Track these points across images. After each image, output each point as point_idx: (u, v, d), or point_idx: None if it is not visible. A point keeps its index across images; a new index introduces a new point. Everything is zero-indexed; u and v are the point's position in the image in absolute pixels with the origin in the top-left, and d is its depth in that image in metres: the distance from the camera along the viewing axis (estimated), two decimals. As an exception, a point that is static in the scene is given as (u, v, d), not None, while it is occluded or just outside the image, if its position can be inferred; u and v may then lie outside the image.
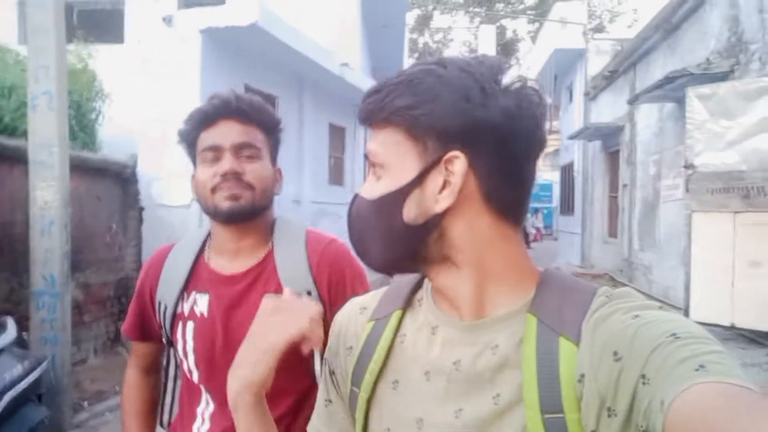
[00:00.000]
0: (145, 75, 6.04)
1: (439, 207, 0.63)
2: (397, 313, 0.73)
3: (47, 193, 3.68)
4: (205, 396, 1.18)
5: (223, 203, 1.13)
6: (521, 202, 0.66)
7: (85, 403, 4.21)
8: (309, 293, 1.16)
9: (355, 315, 0.79)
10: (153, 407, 1.32)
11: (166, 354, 1.28)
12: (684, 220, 6.35)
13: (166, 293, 1.20)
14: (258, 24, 5.90)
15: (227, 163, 1.12)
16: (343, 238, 1.29)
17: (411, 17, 23.52)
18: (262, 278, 1.18)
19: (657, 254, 7.91)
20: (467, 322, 0.66)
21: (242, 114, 1.16)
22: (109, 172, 5.32)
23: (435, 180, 0.63)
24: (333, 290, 1.17)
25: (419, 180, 0.64)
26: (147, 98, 6.00)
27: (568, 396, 0.57)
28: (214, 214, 1.15)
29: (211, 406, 1.17)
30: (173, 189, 5.83)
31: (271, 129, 1.22)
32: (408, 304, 0.74)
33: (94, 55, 6.37)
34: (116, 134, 6.30)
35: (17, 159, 3.93)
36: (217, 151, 1.14)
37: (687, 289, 5.81)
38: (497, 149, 0.63)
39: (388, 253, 0.67)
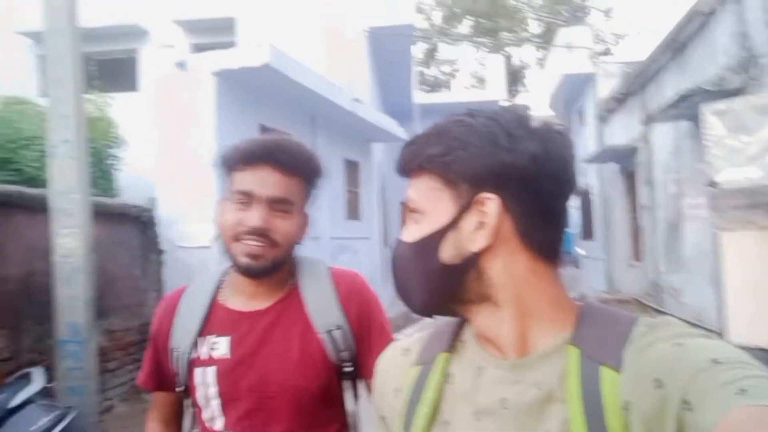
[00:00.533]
0: (160, 120, 6.12)
1: (476, 246, 0.66)
2: (442, 356, 0.74)
3: (69, 240, 3.68)
4: None
5: (242, 258, 1.09)
6: (555, 240, 0.69)
7: (111, 453, 4.13)
8: (339, 327, 1.14)
9: (398, 358, 0.81)
10: None
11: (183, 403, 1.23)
12: (710, 239, 6.21)
13: (181, 340, 1.16)
14: (270, 64, 5.98)
15: (257, 217, 1.08)
16: (361, 271, 1.30)
17: (418, 51, 23.88)
18: (287, 314, 1.15)
19: (685, 276, 7.73)
20: (511, 361, 0.67)
21: (284, 163, 1.12)
22: (128, 217, 5.34)
23: (469, 221, 0.67)
24: (362, 322, 1.17)
25: (455, 221, 0.67)
26: (163, 142, 6.07)
27: (613, 424, 0.57)
28: (233, 263, 1.12)
29: None
30: (192, 230, 5.83)
31: (312, 179, 1.18)
32: (452, 346, 0.75)
33: (110, 102, 6.50)
34: (134, 179, 6.38)
35: (38, 208, 3.95)
36: (249, 198, 1.09)
37: (720, 310, 5.64)
38: (527, 190, 0.66)
39: (429, 295, 0.70)
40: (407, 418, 0.72)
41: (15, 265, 3.86)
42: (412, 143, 0.72)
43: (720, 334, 5.55)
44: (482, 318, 0.69)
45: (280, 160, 1.11)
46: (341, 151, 9.43)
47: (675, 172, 7.91)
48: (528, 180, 0.65)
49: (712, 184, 5.63)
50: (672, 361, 0.55)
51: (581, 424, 0.59)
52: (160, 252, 5.78)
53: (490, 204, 0.65)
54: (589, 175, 13.12)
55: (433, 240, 0.68)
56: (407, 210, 0.73)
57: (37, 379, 3.03)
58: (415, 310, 0.73)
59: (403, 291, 0.73)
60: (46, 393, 3.14)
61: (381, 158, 12.40)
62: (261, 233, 1.08)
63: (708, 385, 0.50)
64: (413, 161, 0.71)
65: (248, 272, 1.10)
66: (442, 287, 0.69)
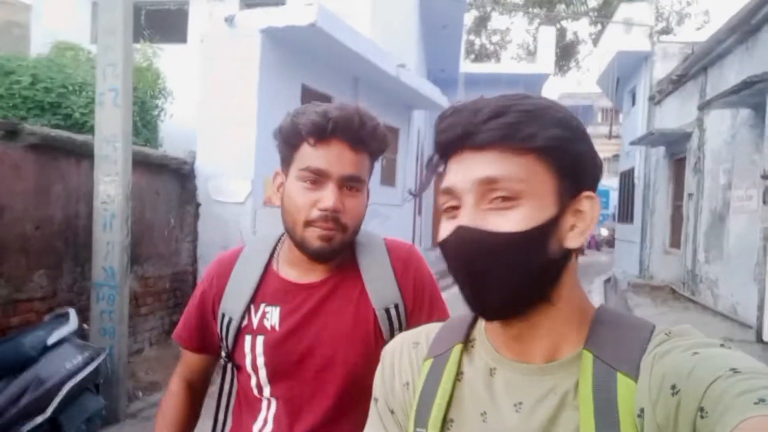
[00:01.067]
0: (206, 74, 6.16)
1: (574, 243, 0.64)
2: (458, 347, 0.72)
3: (110, 187, 3.78)
4: (264, 414, 1.12)
5: (315, 242, 1.06)
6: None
7: (140, 393, 4.31)
8: (396, 305, 1.12)
9: (407, 349, 0.78)
10: (189, 422, 1.25)
11: (222, 369, 1.22)
12: (757, 234, 5.97)
13: (232, 306, 1.13)
14: (317, 24, 5.91)
15: (331, 198, 1.03)
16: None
17: (468, 18, 23.27)
18: (342, 287, 1.13)
19: (725, 268, 7.48)
20: (536, 365, 0.65)
21: (359, 141, 1.06)
22: (168, 168, 5.45)
23: (568, 218, 0.64)
24: (416, 298, 1.14)
25: (559, 215, 0.64)
26: (206, 97, 6.11)
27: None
28: (299, 245, 1.08)
29: (270, 426, 1.11)
30: (229, 186, 5.92)
31: (379, 155, 1.14)
32: (467, 340, 0.73)
33: (158, 53, 6.57)
34: (176, 131, 6.47)
35: (84, 154, 4.06)
36: (321, 176, 1.04)
37: (760, 307, 5.45)
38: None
39: (523, 290, 0.63)
40: (421, 412, 0.70)
41: (58, 208, 3.99)
42: (499, 114, 0.62)
43: (756, 331, 5.38)
44: (534, 319, 0.65)
45: (352, 136, 1.05)
46: (382, 117, 9.14)
47: (727, 162, 7.59)
48: (598, 182, 0.69)
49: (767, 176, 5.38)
50: (689, 369, 0.54)
51: (591, 429, 0.58)
52: (196, 205, 5.90)
53: (591, 203, 0.64)
54: (633, 158, 12.72)
55: (544, 231, 0.62)
56: (480, 189, 0.63)
57: (73, 319, 3.15)
58: (490, 305, 0.64)
59: (482, 286, 0.63)
60: (80, 333, 3.28)
61: (421, 126, 12.26)
62: (334, 216, 1.04)
63: (725, 393, 0.49)
64: (517, 138, 0.62)
65: (318, 256, 1.07)
66: (540, 284, 0.64)
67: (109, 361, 3.47)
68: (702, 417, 0.50)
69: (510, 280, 0.62)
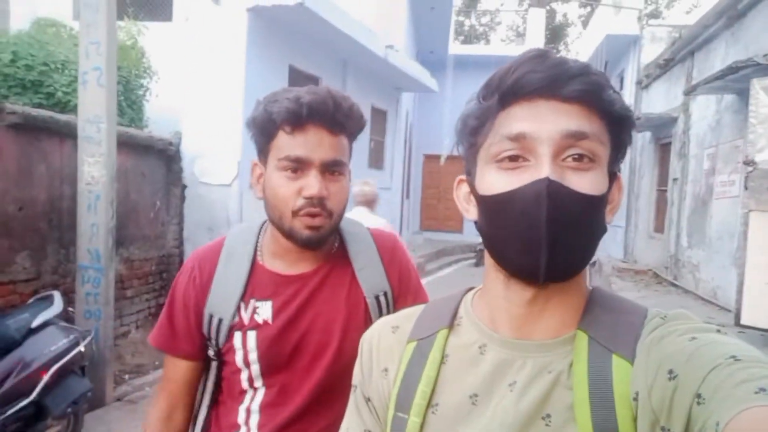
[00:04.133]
0: (191, 53, 6.06)
1: (610, 217, 0.64)
2: (443, 333, 0.70)
3: (94, 168, 3.73)
4: (247, 404, 1.12)
5: (303, 231, 1.05)
6: None
7: (126, 377, 4.31)
8: (385, 293, 1.14)
9: (386, 335, 0.75)
10: None
11: (207, 367, 1.18)
12: (739, 219, 6.05)
13: (222, 305, 1.10)
14: (305, 4, 5.84)
15: (315, 185, 1.02)
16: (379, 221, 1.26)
17: (458, -1, 23.06)
18: (333, 276, 1.13)
19: (706, 252, 7.60)
20: (534, 341, 0.64)
21: (336, 124, 1.04)
22: (154, 149, 5.39)
23: (611, 193, 0.64)
24: (401, 286, 1.17)
25: (610, 185, 0.63)
26: (193, 76, 6.03)
27: (623, 414, 0.56)
28: (288, 235, 1.07)
29: (257, 416, 1.11)
30: (215, 167, 5.87)
31: (357, 135, 1.13)
32: (452, 324, 0.71)
33: (143, 32, 6.44)
34: (162, 111, 6.38)
35: (67, 134, 4.00)
36: (302, 164, 1.03)
37: (739, 291, 5.55)
38: None
39: (588, 254, 0.62)
40: (402, 397, 0.68)
41: (41, 189, 3.94)
42: (588, 72, 0.59)
43: (735, 314, 5.49)
44: (560, 291, 0.63)
45: (329, 120, 1.03)
46: (370, 98, 9.29)
47: (711, 147, 7.66)
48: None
49: (750, 162, 5.44)
50: (688, 355, 0.53)
51: (586, 410, 0.57)
52: (182, 186, 5.85)
53: (620, 185, 0.65)
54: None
55: (605, 198, 0.62)
56: (563, 143, 0.59)
57: (58, 302, 3.13)
58: (561, 267, 0.60)
59: (564, 246, 0.59)
60: (65, 316, 3.25)
61: (410, 108, 12.21)
62: (320, 203, 1.03)
63: (725, 382, 0.49)
64: (603, 99, 0.60)
65: (308, 245, 1.06)
66: (594, 251, 0.63)
67: (95, 344, 3.46)
68: (699, 403, 0.49)
69: (585, 242, 0.61)
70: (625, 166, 12.35)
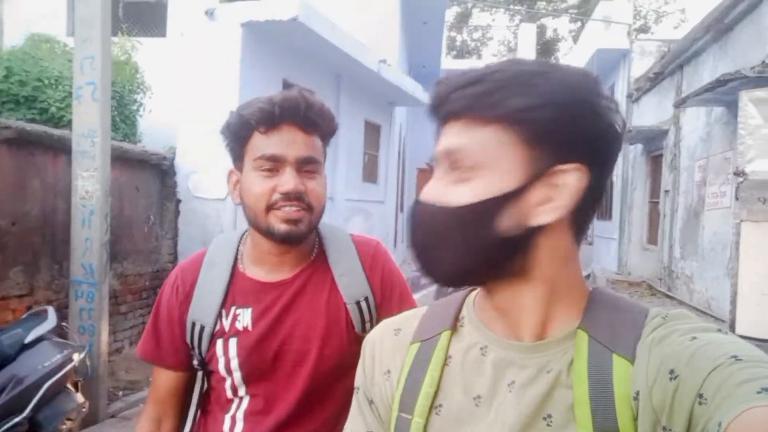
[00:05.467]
0: (185, 68, 6.08)
1: (537, 221, 0.60)
2: (446, 334, 0.70)
3: (88, 183, 3.73)
4: (232, 412, 1.12)
5: (280, 226, 1.04)
6: (590, 222, 0.66)
7: (120, 393, 4.26)
8: (366, 298, 1.13)
9: (389, 337, 0.75)
10: None
11: (195, 377, 1.20)
12: (730, 229, 6.10)
13: (203, 313, 1.11)
14: (298, 18, 5.88)
15: (290, 181, 1.03)
16: (373, 234, 1.25)
17: (450, 14, 23.31)
18: (313, 282, 1.12)
19: (700, 263, 7.64)
20: (526, 343, 0.64)
21: (309, 123, 1.06)
22: (148, 164, 5.38)
23: (539, 191, 0.59)
24: (384, 292, 1.15)
25: (523, 188, 0.59)
26: (187, 91, 6.04)
27: (623, 414, 0.56)
28: (267, 233, 1.07)
29: (241, 424, 1.11)
30: (209, 182, 5.86)
31: (329, 136, 1.14)
32: (454, 325, 0.71)
33: (137, 47, 6.46)
34: (156, 126, 6.39)
35: (61, 149, 3.99)
36: (277, 162, 1.04)
37: (733, 301, 5.58)
38: (602, 167, 0.62)
39: (467, 264, 0.62)
40: (406, 398, 0.68)
41: (35, 204, 3.92)
42: (473, 82, 0.60)
43: (729, 324, 5.51)
44: (510, 294, 0.64)
45: (302, 119, 1.05)
46: (363, 113, 9.34)
47: (702, 159, 7.74)
48: (607, 156, 0.61)
49: (740, 173, 5.50)
50: (689, 355, 0.53)
51: (587, 410, 0.57)
52: (177, 201, 5.84)
53: (575, 177, 0.58)
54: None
55: (493, 206, 0.59)
56: (444, 161, 0.62)
57: (51, 317, 3.10)
58: (438, 278, 0.65)
59: (427, 259, 0.64)
60: (59, 331, 3.23)
61: (403, 122, 12.27)
62: (297, 197, 1.03)
63: (726, 382, 0.49)
64: (485, 109, 0.59)
65: (288, 239, 1.06)
66: (488, 260, 0.61)
67: (89, 359, 3.42)
68: (700, 404, 0.49)
69: (451, 252, 0.61)
70: (617, 179, 12.46)
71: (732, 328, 5.18)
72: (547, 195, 0.59)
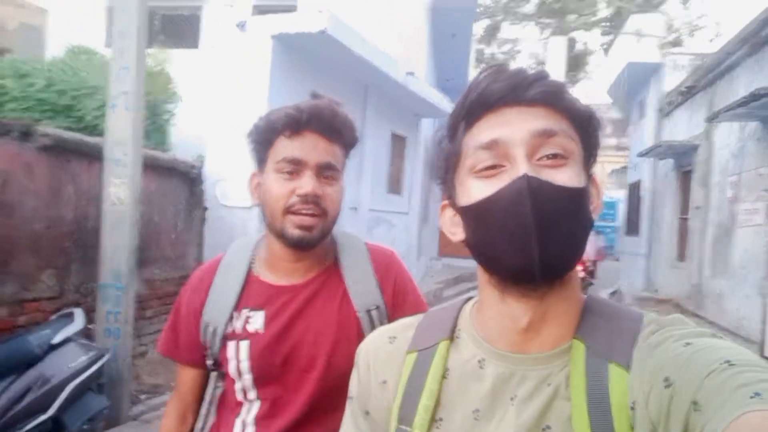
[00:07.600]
0: (216, 79, 6.22)
1: (594, 213, 0.65)
2: (444, 344, 0.69)
3: (120, 190, 3.83)
4: (243, 416, 1.14)
5: (294, 231, 1.08)
6: None
7: (143, 396, 4.34)
8: (377, 307, 1.14)
9: (384, 346, 0.75)
10: None
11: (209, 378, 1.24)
12: (763, 247, 5.94)
13: (216, 314, 1.15)
14: (327, 31, 5.97)
15: (309, 183, 1.06)
16: (396, 246, 1.26)
17: (479, 27, 23.32)
18: (325, 289, 1.15)
19: (730, 282, 7.44)
20: (530, 355, 0.63)
21: (331, 131, 1.10)
22: (177, 172, 5.50)
23: (590, 189, 0.65)
24: (396, 301, 1.17)
25: (587, 186, 0.64)
26: (217, 102, 6.18)
27: (620, 424, 0.55)
28: (280, 236, 1.10)
29: (251, 428, 1.13)
30: (236, 191, 5.96)
31: (351, 146, 1.17)
32: (452, 335, 0.71)
33: (170, 58, 6.64)
34: (186, 136, 6.54)
35: (95, 156, 4.12)
36: (298, 166, 1.08)
37: (764, 320, 5.42)
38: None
39: (579, 248, 0.62)
40: (405, 410, 0.68)
41: (68, 209, 4.05)
42: (543, 77, 0.64)
43: (759, 345, 5.35)
44: (553, 300, 0.63)
45: (324, 126, 1.09)
46: (389, 124, 9.39)
47: (735, 175, 7.56)
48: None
49: (773, 191, 5.36)
50: (683, 361, 0.53)
51: (585, 421, 0.57)
52: (204, 209, 5.95)
53: (597, 186, 0.67)
54: (641, 170, 12.68)
55: (586, 191, 0.63)
56: (535, 141, 0.61)
57: (79, 319, 3.19)
58: (552, 265, 0.59)
59: (549, 242, 0.58)
60: (85, 333, 3.31)
61: (429, 134, 12.28)
62: (314, 200, 1.06)
63: (720, 387, 0.48)
64: (563, 100, 0.63)
65: (300, 244, 1.08)
66: (583, 246, 0.62)
67: (114, 362, 3.50)
68: (695, 410, 0.49)
69: (573, 234, 0.61)
70: (646, 194, 12.23)
71: (761, 348, 5.03)
72: (591, 196, 0.65)
